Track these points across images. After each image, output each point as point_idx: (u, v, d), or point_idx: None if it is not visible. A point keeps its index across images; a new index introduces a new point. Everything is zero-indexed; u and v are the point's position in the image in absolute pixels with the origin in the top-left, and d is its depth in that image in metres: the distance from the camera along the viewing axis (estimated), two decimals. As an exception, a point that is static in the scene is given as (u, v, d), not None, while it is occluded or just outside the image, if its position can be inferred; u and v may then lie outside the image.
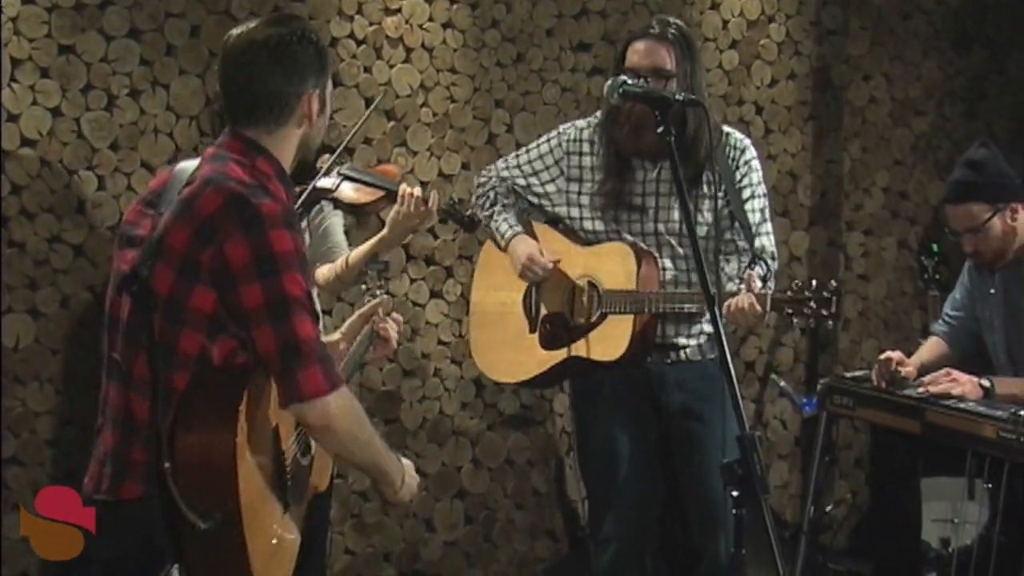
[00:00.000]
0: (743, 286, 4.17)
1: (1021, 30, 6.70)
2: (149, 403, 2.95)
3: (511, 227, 4.53)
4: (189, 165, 3.15)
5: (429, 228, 5.41)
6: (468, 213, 4.45)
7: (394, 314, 3.90)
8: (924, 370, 4.83)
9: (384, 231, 4.32)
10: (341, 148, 4.36)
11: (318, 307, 3.38)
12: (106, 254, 4.83)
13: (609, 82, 3.61)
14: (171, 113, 4.98)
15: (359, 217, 4.97)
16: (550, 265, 4.45)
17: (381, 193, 4.29)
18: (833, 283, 4.16)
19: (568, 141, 4.52)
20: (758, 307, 4.10)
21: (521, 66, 5.62)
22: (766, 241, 4.42)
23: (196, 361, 2.92)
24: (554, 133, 4.59)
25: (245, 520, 2.83)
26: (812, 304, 4.12)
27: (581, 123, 4.57)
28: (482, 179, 4.68)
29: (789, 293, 4.15)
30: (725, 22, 6.03)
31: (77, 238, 4.87)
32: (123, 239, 3.09)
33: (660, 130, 3.32)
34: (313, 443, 3.20)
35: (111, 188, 4.91)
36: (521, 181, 4.57)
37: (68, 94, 4.82)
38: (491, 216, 4.56)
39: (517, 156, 4.63)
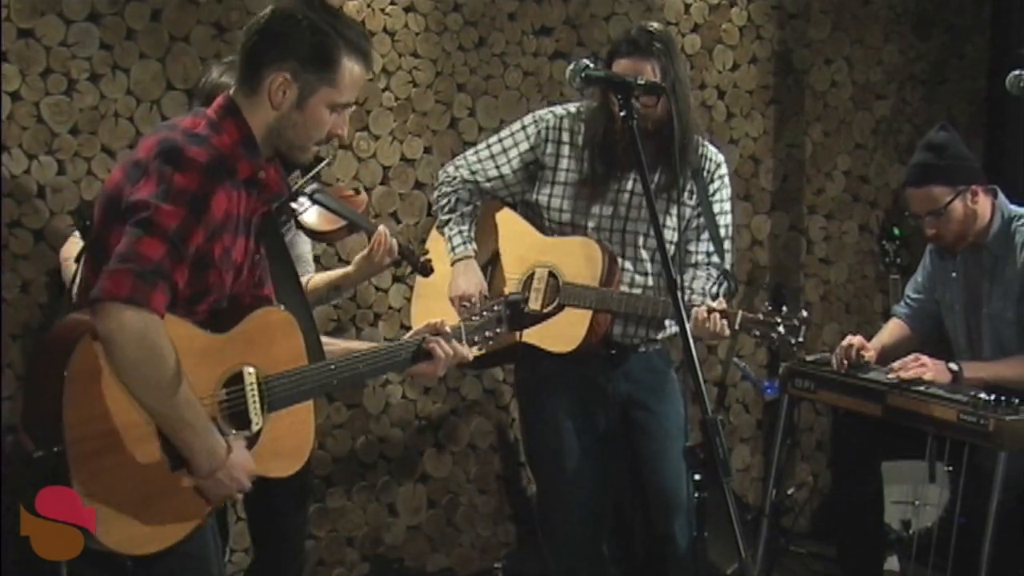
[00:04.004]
0: (713, 303, 4.20)
1: (981, 14, 6.73)
2: None
3: (464, 243, 4.49)
4: None
5: (391, 212, 5.47)
6: (424, 258, 4.39)
7: (456, 343, 3.46)
8: (885, 352, 4.88)
9: (351, 268, 4.37)
10: (314, 172, 4.37)
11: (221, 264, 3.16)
12: (66, 239, 4.81)
13: (571, 66, 3.63)
14: (131, 97, 4.96)
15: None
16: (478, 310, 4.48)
17: (344, 223, 4.30)
18: (804, 312, 4.19)
19: (547, 128, 4.48)
20: (726, 326, 4.15)
21: (483, 50, 5.62)
22: (728, 257, 4.47)
23: None
24: (529, 119, 4.54)
25: (70, 457, 2.86)
26: (780, 330, 4.15)
27: (560, 110, 4.54)
28: (446, 176, 4.61)
29: (761, 316, 4.19)
30: (687, 6, 6.04)
31: (37, 223, 4.85)
32: None
33: (623, 115, 3.35)
34: (256, 418, 3.15)
35: (71, 173, 4.89)
36: (493, 172, 4.52)
37: (27, 78, 4.80)
38: (447, 222, 4.52)
39: (489, 147, 4.56)
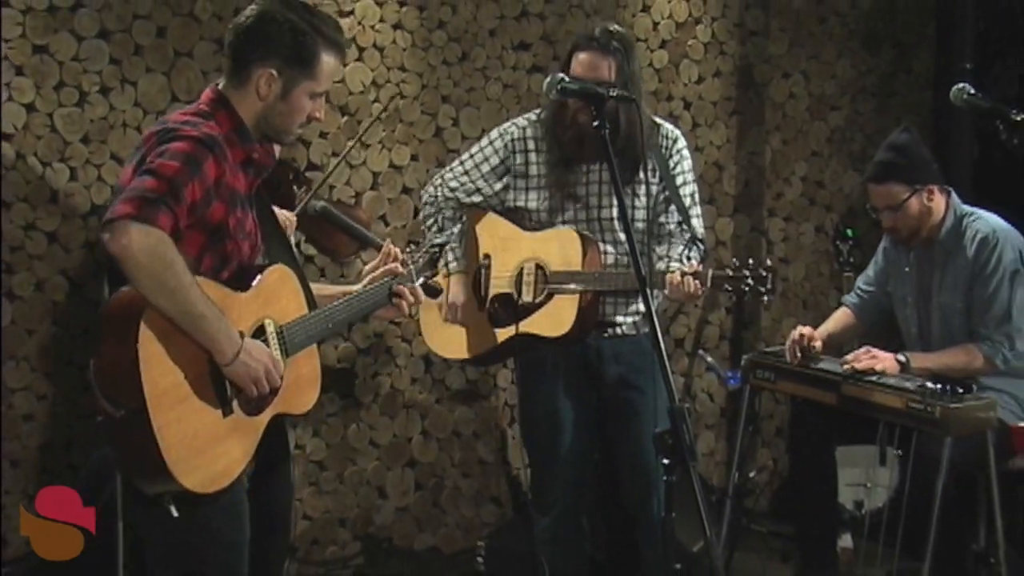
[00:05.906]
0: (686, 266, 4.38)
1: (927, 32, 6.94)
2: None
3: (456, 259, 4.69)
4: None
5: (380, 216, 5.64)
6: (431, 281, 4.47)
7: (416, 288, 3.98)
8: (831, 339, 5.03)
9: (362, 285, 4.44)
10: (318, 186, 4.56)
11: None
12: (78, 241, 5.03)
13: (548, 79, 3.79)
14: (139, 109, 5.13)
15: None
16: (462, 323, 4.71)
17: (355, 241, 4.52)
18: (768, 262, 4.38)
19: (512, 140, 4.66)
20: (698, 283, 4.32)
21: (466, 64, 5.78)
22: (695, 223, 4.62)
23: None
24: (496, 134, 4.72)
25: (152, 411, 3.02)
26: (750, 281, 4.33)
27: (522, 121, 4.70)
28: (429, 196, 4.76)
29: (729, 272, 4.37)
30: (655, 23, 6.21)
31: (50, 226, 5.01)
32: None
33: (596, 124, 3.54)
34: (280, 364, 3.36)
35: (82, 179, 5.05)
36: (470, 187, 4.69)
37: (42, 91, 4.95)
38: (445, 244, 4.58)
39: (463, 163, 4.73)
